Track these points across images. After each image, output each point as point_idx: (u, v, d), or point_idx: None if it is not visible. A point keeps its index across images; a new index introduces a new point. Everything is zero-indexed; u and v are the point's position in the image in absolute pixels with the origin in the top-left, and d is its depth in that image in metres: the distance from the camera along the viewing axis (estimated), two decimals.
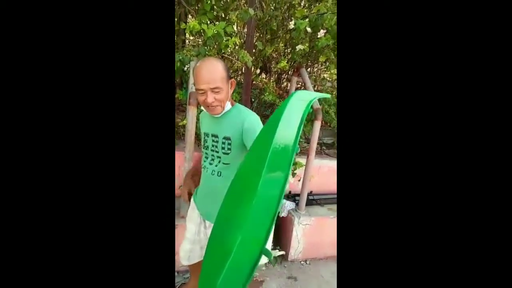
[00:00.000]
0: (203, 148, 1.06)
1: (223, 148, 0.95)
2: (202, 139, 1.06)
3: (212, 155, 1.00)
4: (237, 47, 1.53)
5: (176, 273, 1.57)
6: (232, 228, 0.44)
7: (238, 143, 0.92)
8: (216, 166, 0.99)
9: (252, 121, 0.91)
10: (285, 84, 2.45)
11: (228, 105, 0.95)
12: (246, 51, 1.43)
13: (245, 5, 1.46)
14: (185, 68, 1.83)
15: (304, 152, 2.25)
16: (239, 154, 0.94)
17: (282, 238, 1.89)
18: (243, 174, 0.47)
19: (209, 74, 0.86)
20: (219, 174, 0.98)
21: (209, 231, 1.16)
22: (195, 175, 1.23)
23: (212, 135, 0.99)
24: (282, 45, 1.82)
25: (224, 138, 0.94)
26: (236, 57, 1.54)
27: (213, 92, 0.87)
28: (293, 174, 1.83)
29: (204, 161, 1.05)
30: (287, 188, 2.09)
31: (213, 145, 0.99)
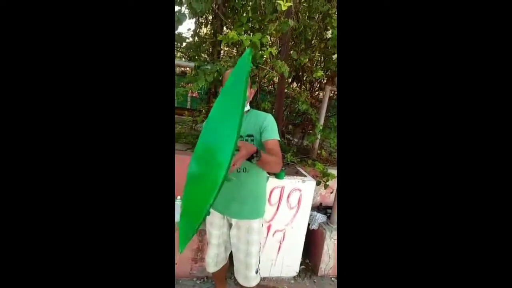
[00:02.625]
0: None
1: None
2: None
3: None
4: (272, 58, 1.55)
5: (205, 279, 1.59)
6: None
7: (259, 139, 1.06)
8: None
9: (271, 119, 1.07)
10: (317, 93, 2.41)
11: (247, 106, 1.10)
12: (283, 61, 1.44)
13: (282, 16, 1.47)
14: (221, 78, 1.89)
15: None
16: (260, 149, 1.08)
17: (312, 251, 1.83)
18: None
19: None
20: (245, 170, 1.07)
21: (233, 232, 1.16)
22: None
23: None
24: (318, 54, 1.81)
25: (248, 135, 1.06)
26: (271, 66, 1.55)
27: None
28: (325, 186, 1.78)
29: None
30: (318, 199, 2.02)
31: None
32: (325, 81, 2.13)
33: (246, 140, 1.06)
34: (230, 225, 1.19)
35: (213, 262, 1.23)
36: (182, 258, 1.52)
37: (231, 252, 1.23)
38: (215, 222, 1.19)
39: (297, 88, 2.05)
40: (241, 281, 1.17)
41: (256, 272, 1.16)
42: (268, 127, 1.04)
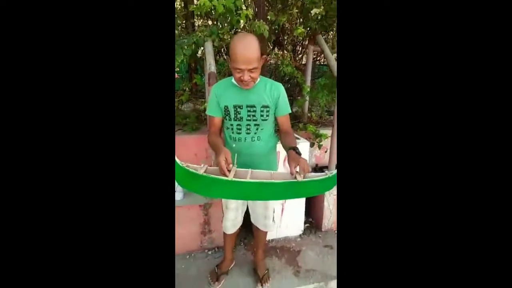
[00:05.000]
0: (234, 120, 1.07)
1: (262, 115, 1.07)
2: (232, 112, 1.06)
3: (248, 125, 1.07)
4: (249, 21, 1.48)
5: (216, 249, 1.66)
6: None
7: (273, 110, 1.09)
8: (255, 133, 1.09)
9: (284, 92, 1.10)
10: (300, 56, 2.36)
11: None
12: (261, 21, 1.38)
13: None
14: (199, 54, 1.82)
15: (328, 124, 2.20)
16: (272, 119, 1.11)
17: (314, 209, 1.91)
18: None
19: (248, 55, 0.92)
20: (258, 139, 1.11)
21: None
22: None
23: (248, 106, 1.05)
24: (296, 10, 1.73)
25: (263, 106, 1.06)
26: (250, 31, 1.49)
27: (249, 71, 0.95)
28: (319, 146, 1.81)
29: (238, 133, 1.09)
30: (314, 161, 2.07)
31: (249, 115, 1.06)
32: (307, 41, 2.07)
33: (262, 111, 1.06)
34: None
35: (232, 224, 1.32)
36: (192, 233, 1.58)
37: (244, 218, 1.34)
38: None
39: (280, 52, 2.00)
40: (261, 227, 1.36)
41: (273, 220, 1.38)
42: (283, 101, 1.09)
